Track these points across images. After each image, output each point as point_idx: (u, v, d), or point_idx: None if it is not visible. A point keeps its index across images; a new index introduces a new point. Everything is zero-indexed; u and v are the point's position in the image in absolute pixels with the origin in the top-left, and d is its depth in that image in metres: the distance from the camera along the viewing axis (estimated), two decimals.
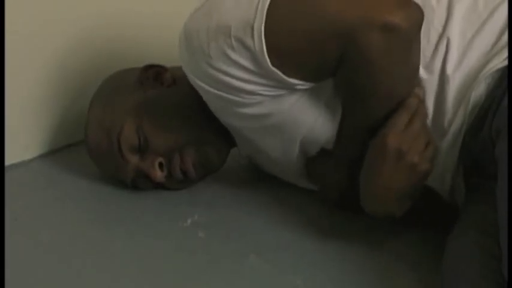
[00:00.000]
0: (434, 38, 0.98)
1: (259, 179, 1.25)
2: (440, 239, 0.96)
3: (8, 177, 1.09)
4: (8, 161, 1.23)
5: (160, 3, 1.48)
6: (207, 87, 1.01)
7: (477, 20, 0.98)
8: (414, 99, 0.95)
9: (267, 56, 0.93)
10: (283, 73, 0.95)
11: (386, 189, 0.95)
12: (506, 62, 0.93)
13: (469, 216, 0.95)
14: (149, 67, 1.17)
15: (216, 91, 1.00)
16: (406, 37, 0.93)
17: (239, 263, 0.98)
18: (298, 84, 0.97)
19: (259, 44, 0.93)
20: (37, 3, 1.25)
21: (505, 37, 0.96)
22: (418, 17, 0.93)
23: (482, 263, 0.84)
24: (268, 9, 0.92)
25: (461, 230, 0.93)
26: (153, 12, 1.47)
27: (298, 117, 1.03)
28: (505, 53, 0.94)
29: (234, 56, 0.95)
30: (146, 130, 1.11)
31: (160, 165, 1.13)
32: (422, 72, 0.98)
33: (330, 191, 1.09)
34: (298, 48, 0.94)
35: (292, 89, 0.98)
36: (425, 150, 0.94)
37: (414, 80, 0.97)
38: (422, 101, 0.96)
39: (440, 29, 0.98)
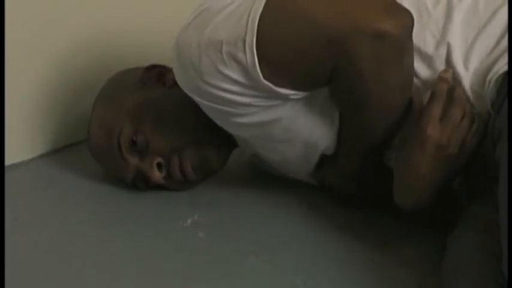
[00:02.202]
0: (430, 41, 0.97)
1: (259, 178, 1.26)
2: (441, 239, 0.96)
3: (8, 177, 1.09)
4: (8, 161, 1.23)
5: (162, 6, 1.48)
6: (200, 100, 1.01)
7: (478, 23, 0.97)
8: (442, 84, 0.94)
9: (258, 69, 0.93)
10: (275, 85, 0.95)
11: (423, 179, 0.94)
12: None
13: (470, 217, 0.95)
14: (152, 67, 1.17)
15: (209, 103, 1.00)
16: (397, 44, 0.92)
17: (239, 263, 0.98)
18: (291, 94, 0.97)
19: (251, 57, 0.93)
20: (38, 3, 1.25)
21: (506, 40, 0.95)
22: (408, 22, 0.93)
23: (482, 263, 0.84)
24: (258, 22, 0.92)
25: (462, 230, 0.93)
26: (155, 13, 1.47)
27: (294, 124, 1.03)
28: (507, 57, 0.93)
29: (226, 70, 0.94)
30: (146, 131, 1.11)
31: (159, 166, 1.13)
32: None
33: (339, 194, 1.10)
34: (290, 60, 0.94)
35: (285, 99, 0.98)
36: (466, 139, 0.93)
37: (409, 88, 0.97)
38: (453, 86, 0.94)
39: (437, 33, 0.98)
